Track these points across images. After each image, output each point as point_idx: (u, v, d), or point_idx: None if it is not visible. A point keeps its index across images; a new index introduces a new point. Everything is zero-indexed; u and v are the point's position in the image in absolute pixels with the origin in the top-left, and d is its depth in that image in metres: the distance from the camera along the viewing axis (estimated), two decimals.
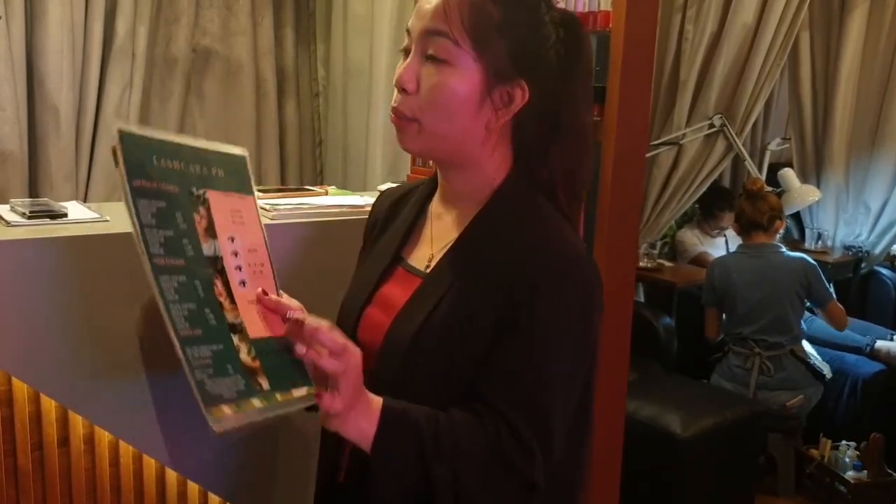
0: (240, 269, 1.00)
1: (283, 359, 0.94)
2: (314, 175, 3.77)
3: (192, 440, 1.33)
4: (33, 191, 2.90)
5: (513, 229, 1.00)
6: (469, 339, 0.96)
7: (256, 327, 0.98)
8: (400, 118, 1.01)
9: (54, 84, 2.83)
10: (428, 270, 1.05)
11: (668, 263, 3.86)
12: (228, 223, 1.01)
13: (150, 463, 1.29)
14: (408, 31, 1.02)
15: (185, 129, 3.35)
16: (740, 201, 3.35)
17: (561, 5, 1.63)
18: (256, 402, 0.92)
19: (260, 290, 1.01)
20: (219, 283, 0.97)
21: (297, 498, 1.53)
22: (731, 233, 3.78)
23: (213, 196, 1.00)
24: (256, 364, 0.95)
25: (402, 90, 1.00)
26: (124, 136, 0.92)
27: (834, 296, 3.33)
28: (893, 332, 3.58)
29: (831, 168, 4.01)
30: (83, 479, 1.23)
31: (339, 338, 0.86)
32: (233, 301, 0.97)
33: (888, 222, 3.94)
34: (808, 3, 3.18)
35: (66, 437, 1.22)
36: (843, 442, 3.12)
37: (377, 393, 0.97)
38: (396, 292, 1.06)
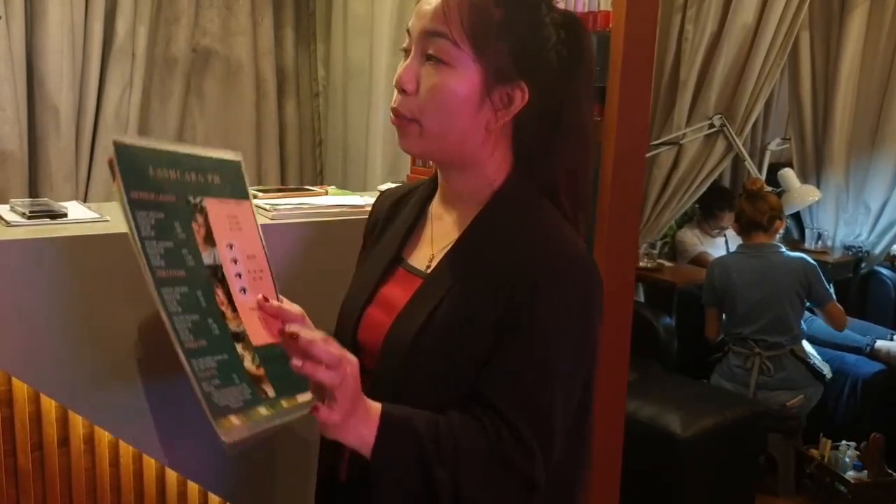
0: (240, 277, 1.00)
1: (287, 365, 0.95)
2: (314, 175, 3.77)
3: (191, 440, 1.32)
4: (33, 191, 2.90)
5: (513, 230, 1.00)
6: (469, 339, 0.96)
7: (259, 334, 0.98)
8: (400, 119, 1.01)
9: (54, 84, 2.84)
10: (428, 271, 1.05)
11: (668, 263, 3.86)
12: (226, 230, 1.01)
13: (150, 463, 1.29)
14: (408, 31, 1.02)
15: (185, 129, 3.36)
16: (740, 201, 3.35)
17: (561, 5, 1.63)
18: (263, 410, 0.93)
19: (260, 296, 1.01)
20: (220, 292, 0.97)
21: (297, 497, 1.53)
22: (731, 233, 3.78)
23: (210, 203, 1.00)
24: (261, 372, 0.95)
25: (402, 91, 1.00)
26: (120, 148, 0.92)
27: (833, 296, 3.33)
28: (893, 332, 3.58)
29: (831, 168, 4.01)
30: (83, 479, 1.23)
31: (334, 349, 0.86)
32: (234, 309, 0.97)
33: (888, 222, 3.94)
34: (808, 3, 3.18)
35: (66, 437, 1.22)
36: (844, 442, 3.12)
37: (377, 392, 0.98)
38: (397, 293, 1.06)
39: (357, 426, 0.89)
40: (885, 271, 4.03)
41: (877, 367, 3.35)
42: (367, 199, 1.70)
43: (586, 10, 2.00)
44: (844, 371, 3.35)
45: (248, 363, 0.95)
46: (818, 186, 3.94)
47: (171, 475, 1.31)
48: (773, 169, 4.07)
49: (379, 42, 3.25)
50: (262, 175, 3.56)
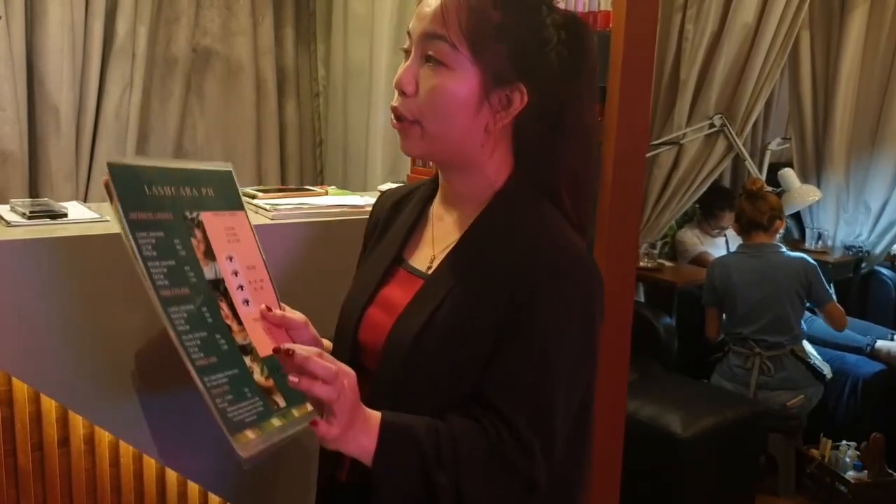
0: (241, 289, 1.01)
1: None
2: (314, 175, 3.77)
3: (191, 440, 1.32)
4: (33, 191, 2.90)
5: (514, 231, 1.00)
6: (470, 339, 0.96)
7: (264, 345, 0.99)
8: (401, 121, 1.01)
9: (54, 84, 2.84)
10: (429, 272, 1.05)
11: (668, 263, 3.86)
12: (224, 243, 1.02)
13: (150, 463, 1.29)
14: (408, 33, 1.02)
15: (185, 128, 3.36)
16: (740, 201, 3.35)
17: (561, 5, 1.63)
18: (276, 422, 0.94)
19: (264, 306, 1.02)
20: (224, 306, 0.97)
21: (298, 497, 1.53)
22: (731, 233, 3.78)
23: (207, 217, 1.01)
24: (270, 383, 0.96)
25: (402, 93, 1.01)
26: (114, 169, 0.92)
27: (834, 297, 3.33)
28: (894, 332, 3.57)
29: (831, 168, 4.00)
30: (83, 479, 1.23)
31: (329, 364, 0.85)
32: (240, 322, 0.98)
33: (888, 222, 3.93)
34: (808, 2, 3.17)
35: (66, 437, 1.22)
36: (844, 442, 3.12)
37: (378, 393, 0.98)
38: (398, 293, 1.06)
39: (357, 437, 0.89)
40: (885, 271, 4.03)
41: (877, 367, 3.35)
42: (367, 199, 1.70)
43: (586, 10, 2.00)
44: (845, 371, 3.35)
45: (258, 375, 0.96)
46: (818, 186, 3.93)
47: (171, 475, 1.31)
48: (774, 169, 4.07)
49: (379, 42, 3.25)
50: (263, 175, 3.56)
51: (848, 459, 3.05)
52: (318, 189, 1.87)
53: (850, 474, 2.99)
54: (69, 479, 1.22)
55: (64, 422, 1.21)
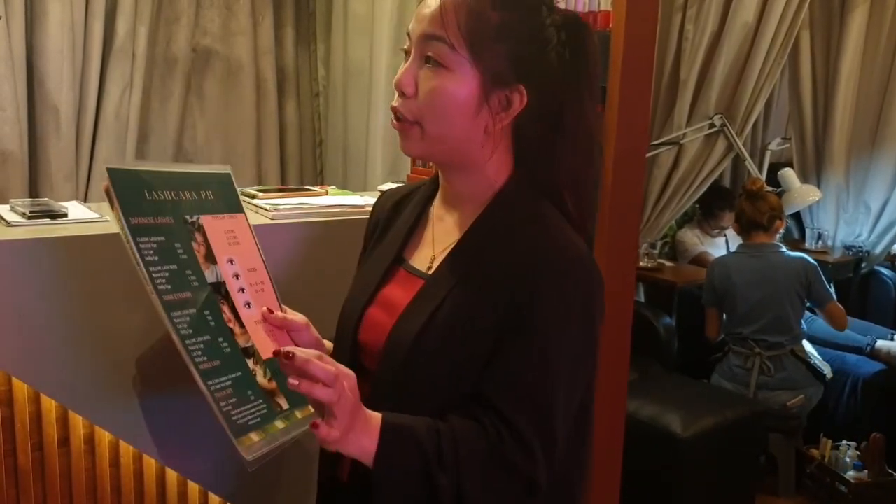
0: (243, 291, 1.01)
1: None
2: (314, 175, 3.77)
3: (192, 440, 1.33)
4: (33, 191, 2.90)
5: (514, 231, 1.00)
6: (471, 340, 0.96)
7: (266, 347, 1.00)
8: (401, 121, 1.01)
9: (54, 84, 2.84)
10: (430, 272, 1.05)
11: (668, 263, 3.86)
12: (225, 246, 1.02)
13: (150, 463, 1.29)
14: (408, 34, 1.02)
15: (185, 128, 3.36)
16: (740, 201, 3.35)
17: (560, 5, 1.63)
18: (279, 424, 0.95)
19: (265, 308, 1.02)
20: (226, 309, 0.98)
21: (298, 498, 1.53)
22: (731, 232, 3.78)
23: (207, 221, 1.01)
24: (273, 385, 0.97)
25: (402, 94, 1.01)
26: (114, 174, 0.92)
27: (834, 296, 3.33)
28: (894, 332, 3.57)
29: (831, 168, 4.01)
30: (83, 479, 1.23)
31: (329, 367, 0.85)
32: (242, 325, 0.99)
33: (888, 222, 3.93)
34: (808, 2, 3.17)
35: (66, 437, 1.22)
36: (844, 442, 3.12)
37: (378, 393, 0.98)
38: (398, 293, 1.06)
39: (358, 438, 0.89)
40: (885, 271, 4.03)
41: (877, 366, 3.35)
42: (367, 199, 1.70)
43: (586, 10, 2.00)
44: (845, 371, 3.35)
45: (261, 378, 0.96)
46: (818, 186, 3.93)
47: (171, 475, 1.31)
48: (774, 169, 4.07)
49: (379, 42, 3.25)
50: (262, 175, 3.56)
51: (848, 459, 3.05)
52: (318, 189, 1.87)
53: (851, 474, 2.99)
54: (69, 479, 1.22)
55: (64, 422, 1.21)
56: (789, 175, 3.71)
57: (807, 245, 4.17)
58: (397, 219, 1.15)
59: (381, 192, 1.32)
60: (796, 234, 4.38)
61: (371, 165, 3.32)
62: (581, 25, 1.03)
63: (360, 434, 0.89)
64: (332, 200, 1.72)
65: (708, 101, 3.18)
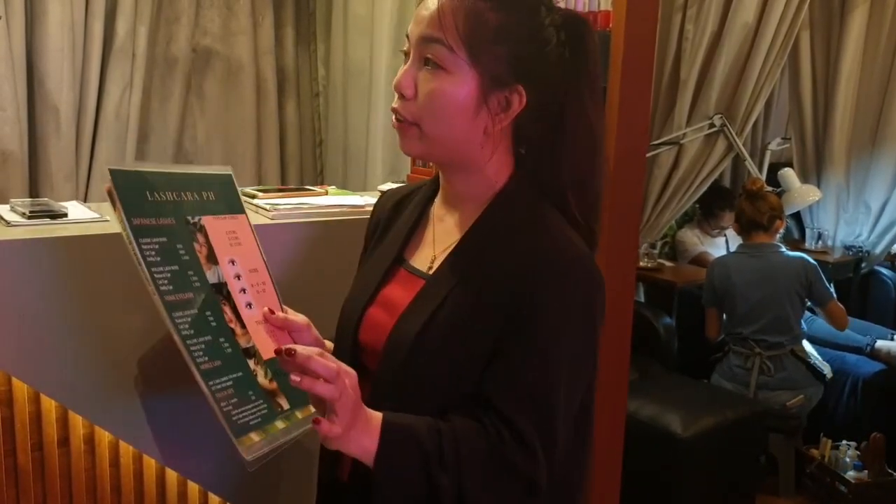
0: (244, 292, 1.02)
1: None
2: (314, 175, 3.77)
3: (192, 440, 1.33)
4: (33, 191, 2.90)
5: (514, 231, 1.00)
6: (471, 340, 0.96)
7: (268, 347, 1.00)
8: (401, 122, 1.01)
9: (54, 84, 2.84)
10: (430, 272, 1.05)
11: (668, 263, 3.86)
12: (226, 247, 1.03)
13: (150, 463, 1.29)
14: (407, 35, 1.02)
15: (185, 128, 3.36)
16: (740, 201, 3.35)
17: (561, 5, 1.63)
18: (280, 424, 0.95)
19: (266, 309, 1.02)
20: (227, 310, 0.98)
21: (299, 497, 1.53)
22: (731, 232, 3.78)
23: (208, 222, 1.01)
24: (274, 385, 0.97)
25: (401, 95, 1.01)
26: (116, 175, 0.92)
27: (834, 295, 3.33)
28: (894, 332, 3.57)
29: (832, 168, 4.00)
30: (83, 479, 1.23)
31: (331, 363, 0.86)
32: (243, 325, 0.99)
33: (889, 222, 3.93)
34: (808, 2, 3.17)
35: (66, 437, 1.22)
36: (844, 442, 3.12)
37: (378, 393, 0.98)
38: (398, 293, 1.06)
39: (359, 437, 0.89)
40: (885, 271, 4.03)
41: (877, 366, 3.35)
42: (367, 199, 1.70)
43: (586, 10, 2.00)
44: (845, 371, 3.35)
45: (262, 378, 0.97)
46: (818, 186, 3.93)
47: (171, 475, 1.31)
48: (774, 169, 4.07)
49: (379, 42, 3.25)
50: (263, 175, 3.56)
51: (848, 459, 3.05)
52: (318, 189, 1.87)
53: (851, 474, 2.99)
54: (69, 479, 1.22)
55: (64, 422, 1.21)
56: (789, 175, 3.71)
57: (807, 245, 4.17)
58: (398, 219, 1.15)
59: (381, 192, 1.32)
60: (796, 234, 4.38)
61: (371, 165, 3.32)
62: (581, 23, 1.03)
63: (361, 433, 0.89)
64: (332, 200, 1.72)
65: (708, 101, 3.18)
